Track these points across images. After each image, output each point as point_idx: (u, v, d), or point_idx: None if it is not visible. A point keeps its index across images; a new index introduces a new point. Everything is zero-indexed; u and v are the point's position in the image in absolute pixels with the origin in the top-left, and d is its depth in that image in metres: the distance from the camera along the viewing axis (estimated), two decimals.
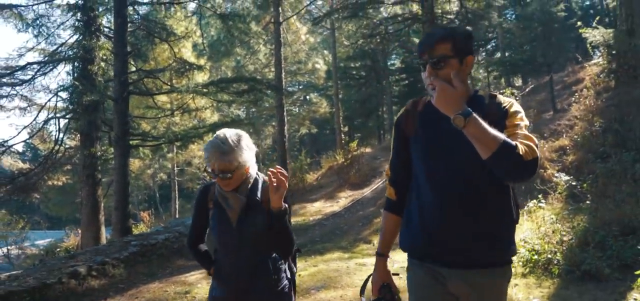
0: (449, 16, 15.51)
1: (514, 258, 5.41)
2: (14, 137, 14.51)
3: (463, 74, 1.86)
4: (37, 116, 13.76)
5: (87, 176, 12.25)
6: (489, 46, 27.69)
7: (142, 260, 7.48)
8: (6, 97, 12.85)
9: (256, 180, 2.29)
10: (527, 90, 17.58)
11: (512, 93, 10.66)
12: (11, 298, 4.71)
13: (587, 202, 7.20)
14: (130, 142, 11.47)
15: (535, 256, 5.38)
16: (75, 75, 12.45)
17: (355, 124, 28.09)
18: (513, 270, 5.26)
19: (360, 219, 11.03)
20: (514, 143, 1.66)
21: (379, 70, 25.27)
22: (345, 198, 14.19)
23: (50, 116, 13.33)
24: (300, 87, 31.41)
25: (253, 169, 2.28)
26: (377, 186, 14.30)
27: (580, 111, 11.22)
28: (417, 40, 22.42)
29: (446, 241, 1.87)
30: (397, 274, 2.15)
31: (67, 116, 12.98)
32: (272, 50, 19.63)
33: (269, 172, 2.13)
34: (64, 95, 12.98)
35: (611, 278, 4.87)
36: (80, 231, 16.60)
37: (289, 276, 2.39)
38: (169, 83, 13.15)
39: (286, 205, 2.16)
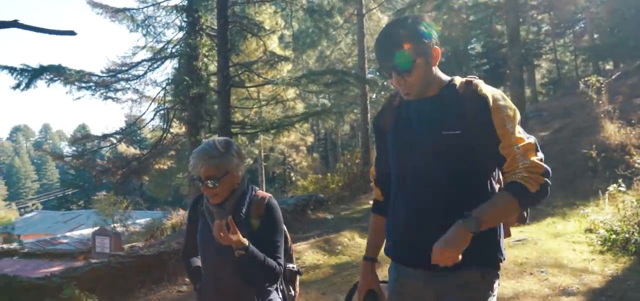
0: (532, 2, 15.50)
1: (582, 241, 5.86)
2: (130, 125, 16.55)
3: (429, 69, 1.73)
4: (148, 107, 15.60)
5: None
6: (576, 28, 26.67)
7: None
8: (121, 90, 14.79)
9: (244, 193, 2.10)
10: (614, 76, 17.10)
11: (598, 80, 10.64)
12: (163, 257, 5.97)
13: None
14: (231, 130, 12.75)
15: (614, 236, 5.82)
16: (181, 70, 13.94)
17: None
18: (591, 247, 5.76)
19: None
20: (523, 185, 1.60)
21: (460, 55, 25.25)
22: None
23: (160, 108, 15.03)
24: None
25: (243, 182, 2.11)
26: None
27: None
28: (499, 27, 22.31)
29: (408, 242, 1.81)
30: (386, 281, 1.99)
31: (175, 107, 14.55)
32: (354, 40, 20.42)
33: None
34: (169, 88, 14.58)
35: None
36: (182, 211, 18.47)
37: None
38: (258, 75, 14.31)
39: (242, 249, 1.92)
